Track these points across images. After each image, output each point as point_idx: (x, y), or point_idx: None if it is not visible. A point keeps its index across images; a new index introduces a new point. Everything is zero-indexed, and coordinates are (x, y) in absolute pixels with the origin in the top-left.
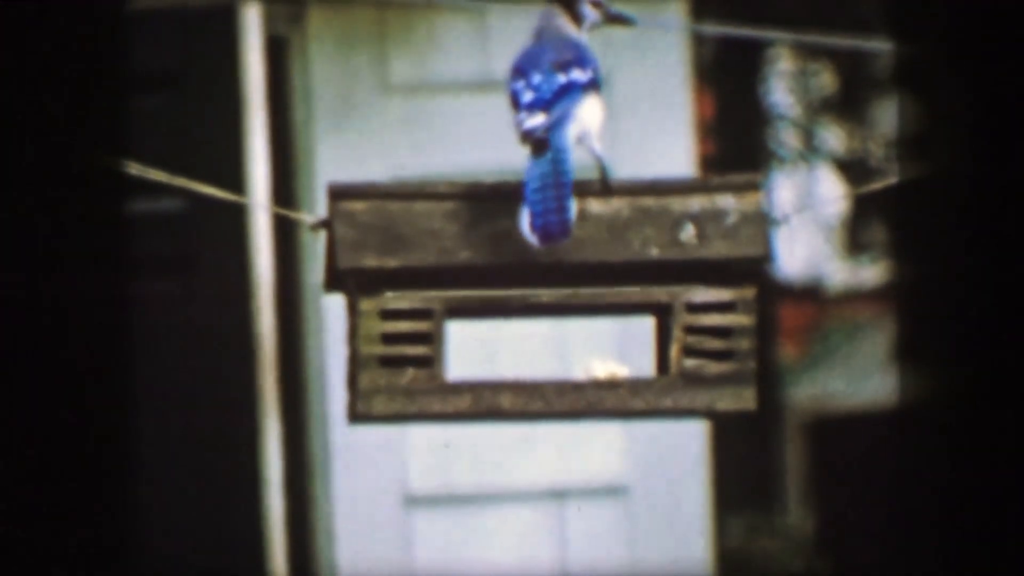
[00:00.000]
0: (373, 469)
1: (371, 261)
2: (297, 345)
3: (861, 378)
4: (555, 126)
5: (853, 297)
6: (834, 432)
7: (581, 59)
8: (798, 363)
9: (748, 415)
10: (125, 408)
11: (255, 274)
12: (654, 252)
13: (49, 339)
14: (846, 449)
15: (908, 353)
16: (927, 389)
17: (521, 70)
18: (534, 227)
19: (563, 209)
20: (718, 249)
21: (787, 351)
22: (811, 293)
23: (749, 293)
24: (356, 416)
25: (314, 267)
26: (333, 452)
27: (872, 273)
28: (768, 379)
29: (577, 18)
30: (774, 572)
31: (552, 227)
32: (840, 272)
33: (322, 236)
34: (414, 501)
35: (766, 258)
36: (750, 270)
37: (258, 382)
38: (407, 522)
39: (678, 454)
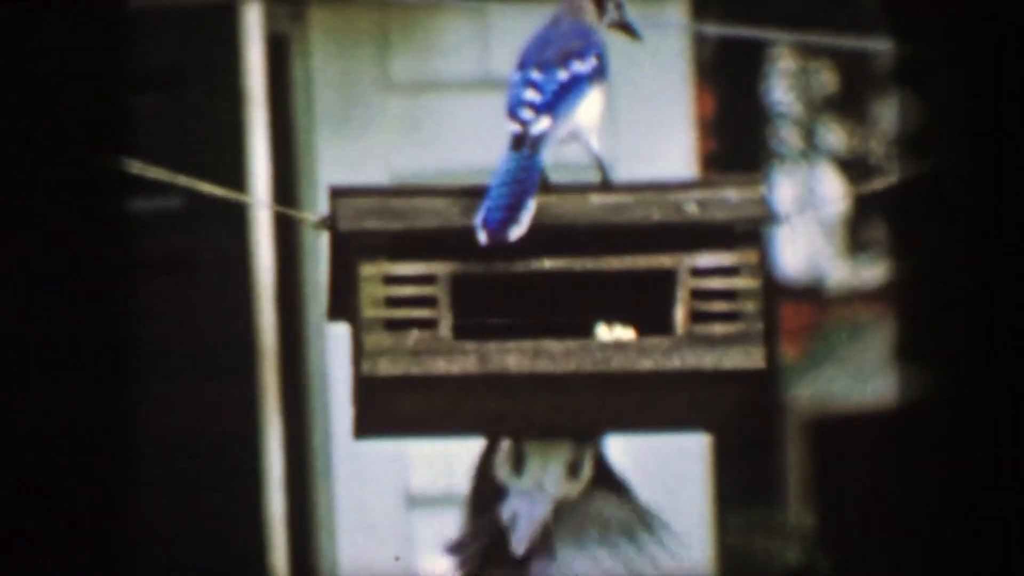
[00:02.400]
0: (374, 469)
1: (373, 224)
2: (298, 344)
3: (862, 377)
4: (543, 137)
5: (854, 296)
6: (835, 431)
7: (584, 49)
8: (799, 362)
9: (751, 412)
10: (125, 408)
11: (256, 273)
12: (656, 216)
13: (49, 337)
14: (847, 448)
15: (909, 352)
16: (927, 388)
17: (524, 62)
18: (483, 221)
19: (516, 207)
20: (720, 213)
21: (788, 350)
22: (812, 292)
23: (752, 256)
24: (362, 379)
25: (315, 265)
26: (334, 452)
27: (873, 272)
28: (770, 373)
29: (601, 8)
30: (774, 570)
31: (497, 223)
32: (841, 271)
33: (323, 236)
34: (415, 501)
35: (767, 219)
36: (752, 233)
37: (259, 382)
38: (408, 522)
39: (679, 452)
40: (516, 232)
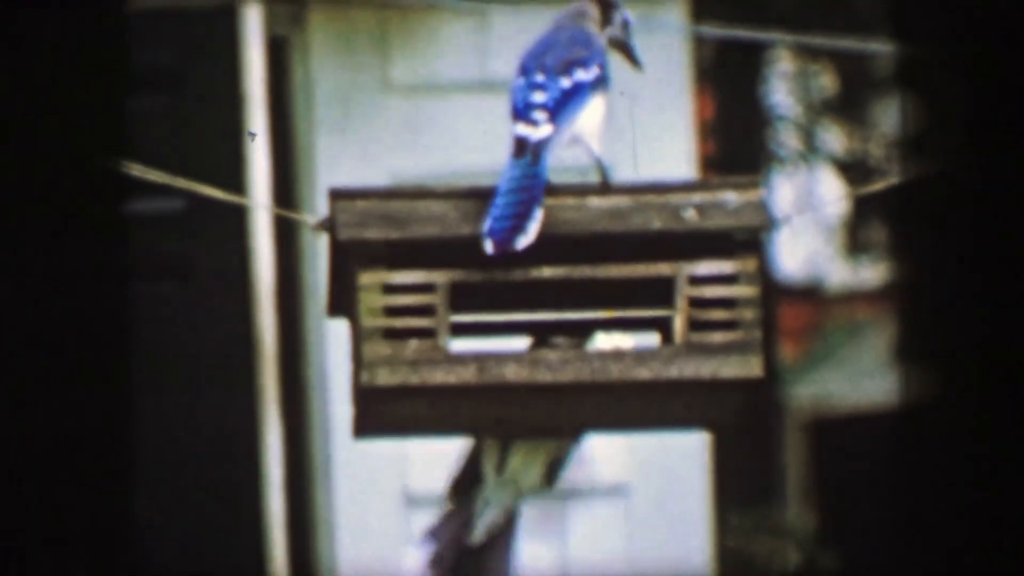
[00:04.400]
0: (374, 469)
1: (373, 234)
2: (298, 346)
3: (861, 378)
4: (546, 142)
5: (853, 297)
6: (834, 432)
7: (588, 57)
8: (798, 363)
9: (750, 414)
10: (125, 409)
11: (255, 274)
12: (656, 225)
13: (49, 340)
14: (846, 448)
15: (908, 353)
16: (927, 389)
17: (526, 68)
18: (489, 231)
19: (523, 216)
20: (719, 221)
21: (787, 351)
22: (811, 293)
23: (751, 264)
24: (360, 389)
25: (314, 267)
26: (334, 452)
27: (872, 273)
28: (768, 378)
29: (607, 17)
30: (774, 571)
31: (504, 232)
32: (840, 272)
33: (323, 238)
34: (414, 501)
35: (766, 227)
36: (751, 241)
37: (259, 383)
38: (407, 522)
39: (678, 453)
40: (523, 241)
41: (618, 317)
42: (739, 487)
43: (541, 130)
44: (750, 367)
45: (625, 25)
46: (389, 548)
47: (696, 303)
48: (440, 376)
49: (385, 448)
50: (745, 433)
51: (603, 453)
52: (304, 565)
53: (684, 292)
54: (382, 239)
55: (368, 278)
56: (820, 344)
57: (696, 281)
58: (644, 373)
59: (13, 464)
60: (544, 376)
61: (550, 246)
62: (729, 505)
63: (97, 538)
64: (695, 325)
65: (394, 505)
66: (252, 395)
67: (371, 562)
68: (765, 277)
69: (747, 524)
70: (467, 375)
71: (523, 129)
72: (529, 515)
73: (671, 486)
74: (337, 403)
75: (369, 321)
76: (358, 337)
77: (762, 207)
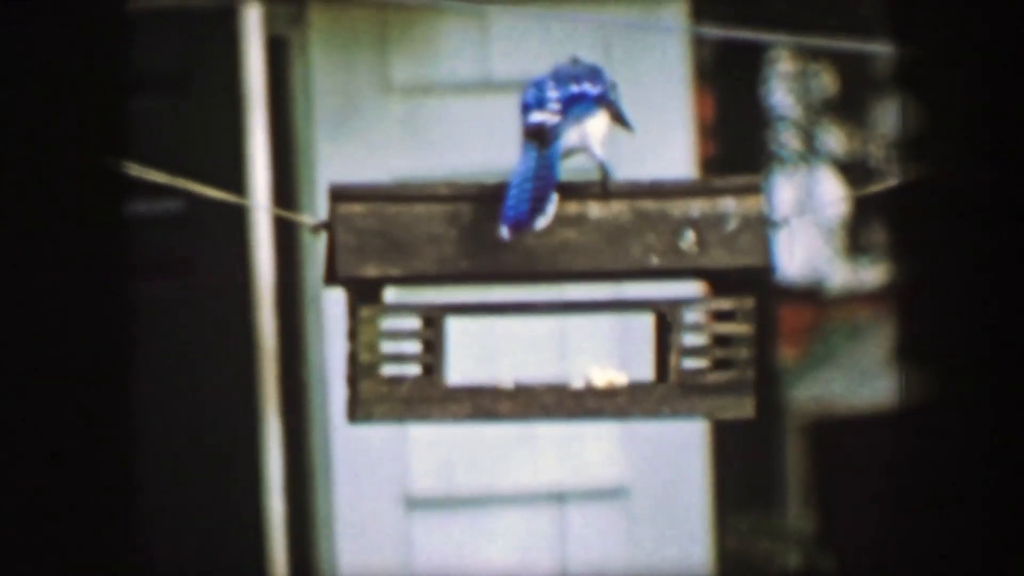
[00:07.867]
0: (374, 471)
1: (371, 270)
2: (297, 346)
3: (861, 379)
4: (559, 127)
5: (853, 298)
6: (834, 433)
7: (597, 79)
8: (798, 364)
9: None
10: (125, 409)
11: (255, 275)
12: (654, 261)
13: (49, 340)
14: (846, 450)
15: (908, 354)
16: (927, 390)
17: (538, 81)
18: (505, 217)
19: (541, 199)
20: (718, 258)
21: (788, 352)
22: (811, 294)
23: (748, 302)
24: (356, 421)
25: (314, 267)
26: (333, 454)
27: (872, 274)
28: (768, 380)
29: None
30: (774, 572)
31: (524, 215)
32: (840, 273)
33: (322, 237)
34: (414, 503)
35: (766, 268)
36: (750, 279)
37: (259, 383)
38: (407, 524)
39: (678, 455)
40: (542, 222)
41: (611, 301)
42: (739, 488)
43: (556, 117)
44: (743, 408)
45: (614, 86)
46: (389, 549)
47: (692, 339)
48: (435, 413)
49: (385, 450)
50: (744, 430)
51: (603, 455)
52: (304, 565)
53: (679, 328)
54: (380, 276)
55: (367, 312)
56: (820, 345)
57: (693, 318)
58: (637, 412)
59: (13, 464)
60: (538, 414)
61: (547, 278)
62: (729, 506)
63: (97, 538)
64: (689, 361)
65: (394, 506)
66: (252, 396)
67: (371, 563)
68: (762, 314)
69: (747, 525)
70: (462, 412)
71: (539, 116)
72: (529, 515)
73: (671, 487)
74: (337, 403)
75: (367, 356)
76: (354, 370)
77: (762, 228)
